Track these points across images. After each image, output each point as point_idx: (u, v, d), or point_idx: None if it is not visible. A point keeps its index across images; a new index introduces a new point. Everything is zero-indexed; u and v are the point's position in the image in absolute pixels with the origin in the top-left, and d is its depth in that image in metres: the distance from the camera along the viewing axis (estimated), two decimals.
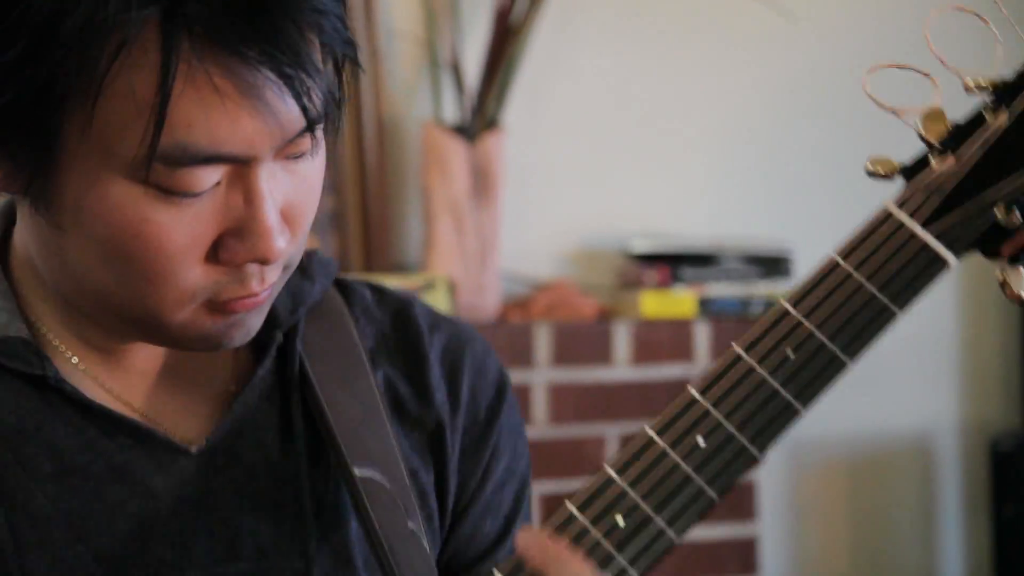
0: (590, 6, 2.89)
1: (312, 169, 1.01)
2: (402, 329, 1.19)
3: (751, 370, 0.93)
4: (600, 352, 2.73)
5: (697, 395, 0.94)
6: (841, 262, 0.95)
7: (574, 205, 2.94)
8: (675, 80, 3.00)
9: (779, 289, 2.85)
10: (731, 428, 0.93)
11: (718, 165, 3.02)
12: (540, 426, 2.69)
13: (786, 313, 0.94)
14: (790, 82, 3.11)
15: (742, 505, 2.83)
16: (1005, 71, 0.98)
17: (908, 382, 3.13)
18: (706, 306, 2.79)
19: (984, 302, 3.19)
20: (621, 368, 2.74)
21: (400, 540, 1.08)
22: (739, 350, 0.94)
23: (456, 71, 2.75)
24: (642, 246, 2.81)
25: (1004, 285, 0.98)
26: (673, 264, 2.79)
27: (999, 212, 0.96)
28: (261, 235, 0.98)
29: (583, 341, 2.73)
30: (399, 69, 2.83)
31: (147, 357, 1.10)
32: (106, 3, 0.93)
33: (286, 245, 1.00)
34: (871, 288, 0.95)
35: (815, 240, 2.95)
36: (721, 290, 2.80)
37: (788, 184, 3.01)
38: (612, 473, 0.93)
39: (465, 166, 2.71)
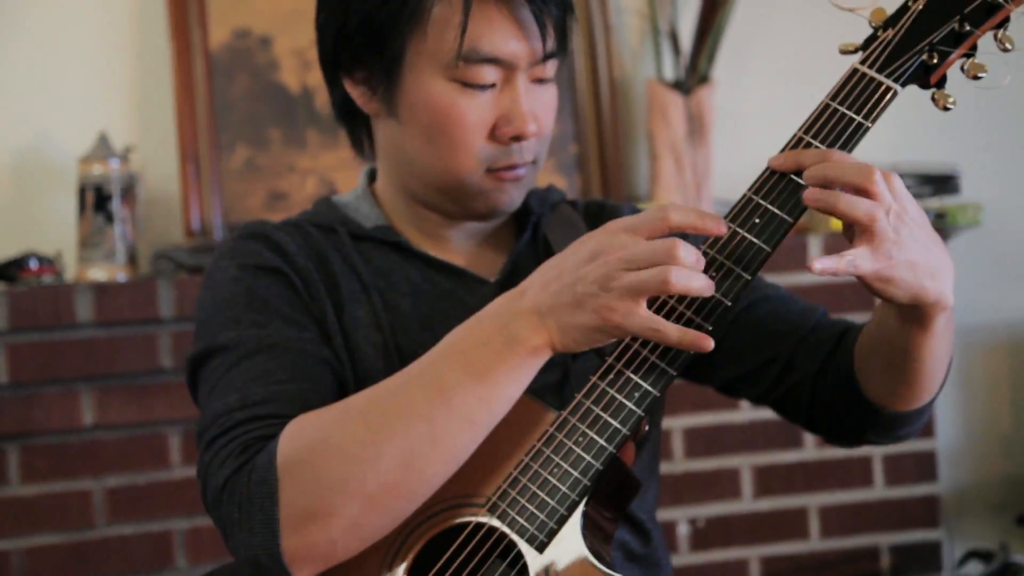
0: None
1: (548, 95, 1.36)
2: (603, 210, 1.52)
3: (783, 175, 1.23)
4: (797, 259, 2.71)
5: (750, 194, 1.23)
6: (830, 103, 1.25)
7: (772, 141, 2.78)
8: (853, 34, 2.98)
9: (948, 203, 2.81)
10: (773, 209, 1.22)
11: (893, 100, 3.00)
12: None
13: (800, 139, 1.24)
14: None
15: None
16: None
17: None
18: None
19: None
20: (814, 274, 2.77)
21: None
22: (772, 166, 1.24)
23: (673, 38, 2.79)
24: None
25: (935, 101, 1.27)
26: None
27: (926, 56, 1.26)
28: (520, 117, 1.33)
29: (782, 251, 2.61)
30: (627, 38, 2.87)
31: (457, 237, 1.44)
32: None
33: (536, 131, 1.34)
34: (850, 113, 1.25)
35: (978, 160, 3.02)
36: None
37: (955, 114, 2.94)
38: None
39: (682, 114, 2.76)
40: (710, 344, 1.17)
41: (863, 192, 1.17)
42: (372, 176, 1.48)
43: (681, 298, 1.20)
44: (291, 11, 2.65)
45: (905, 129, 2.90)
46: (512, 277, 1.41)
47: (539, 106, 1.34)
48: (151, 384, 2.43)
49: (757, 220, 1.22)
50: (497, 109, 1.33)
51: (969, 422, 3.06)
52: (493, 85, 1.32)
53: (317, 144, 2.67)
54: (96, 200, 2.50)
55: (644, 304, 1.16)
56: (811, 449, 2.74)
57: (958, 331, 2.93)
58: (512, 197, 1.37)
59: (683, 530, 2.70)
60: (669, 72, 2.81)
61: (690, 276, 1.15)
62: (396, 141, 1.38)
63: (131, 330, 2.42)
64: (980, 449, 3.06)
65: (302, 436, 1.20)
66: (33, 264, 2.46)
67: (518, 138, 1.33)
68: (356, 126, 1.44)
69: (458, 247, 1.44)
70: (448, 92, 1.31)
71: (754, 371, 1.46)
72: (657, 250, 1.15)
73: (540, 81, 1.34)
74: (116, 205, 2.51)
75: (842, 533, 2.76)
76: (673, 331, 1.16)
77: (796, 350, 1.44)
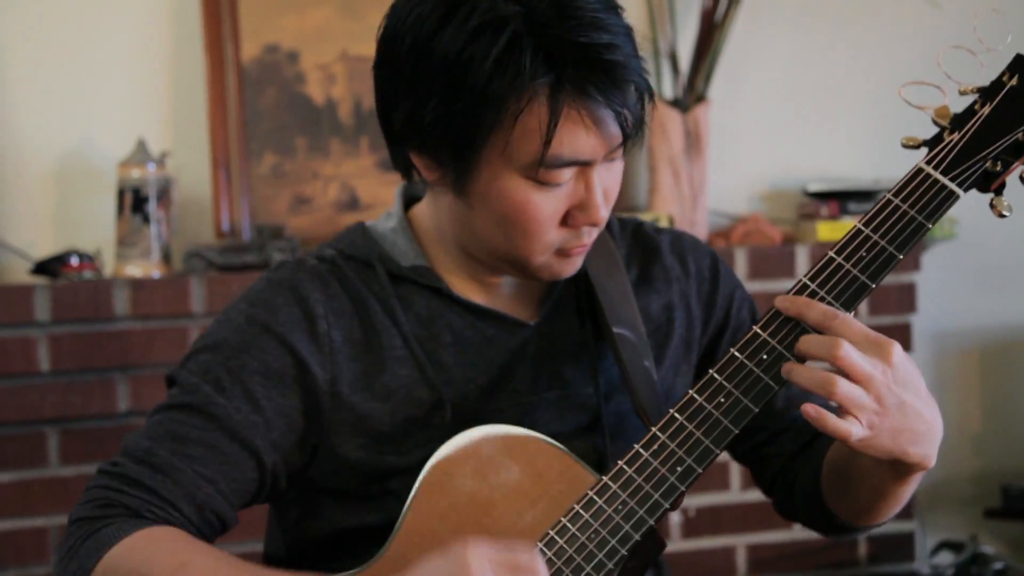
0: (774, 7, 2.91)
1: (618, 168, 1.28)
2: (640, 238, 1.44)
3: (840, 265, 1.22)
4: (785, 268, 2.75)
5: (806, 280, 1.22)
6: (893, 199, 1.23)
7: (763, 157, 2.96)
8: (841, 58, 2.98)
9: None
10: (828, 298, 1.21)
11: (875, 123, 2.97)
12: None
13: (860, 231, 1.22)
14: (928, 53, 3.02)
15: None
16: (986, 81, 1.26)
17: None
18: None
19: None
20: None
21: (637, 370, 1.33)
22: (831, 254, 1.22)
23: (673, 59, 2.82)
24: (817, 186, 2.85)
25: (992, 207, 1.25)
26: (841, 200, 2.83)
27: (988, 163, 1.24)
28: (594, 208, 1.25)
29: (772, 260, 2.75)
30: None
31: (496, 283, 1.36)
32: (520, 75, 1.19)
33: (607, 214, 1.27)
34: (912, 212, 1.22)
35: None
36: None
37: (927, 133, 2.93)
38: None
39: (680, 130, 2.78)
40: None
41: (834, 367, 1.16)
42: (408, 198, 1.40)
43: (716, 392, 1.20)
44: (317, 29, 2.69)
45: (887, 148, 2.89)
46: (552, 319, 1.36)
47: (610, 183, 1.27)
48: None
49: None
50: (571, 199, 1.25)
51: (942, 421, 3.09)
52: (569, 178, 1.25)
53: (340, 152, 2.71)
54: (134, 202, 2.52)
55: None
56: None
57: (934, 336, 3.03)
58: (576, 266, 1.31)
59: (675, 519, 2.72)
60: (668, 91, 2.83)
61: None
62: (461, 216, 1.30)
63: (164, 323, 2.44)
64: (952, 447, 2.96)
65: (134, 554, 1.18)
66: (74, 260, 2.48)
67: (592, 225, 1.27)
68: (411, 174, 1.34)
69: (499, 288, 1.36)
70: (524, 189, 1.23)
71: (742, 430, 1.41)
72: None
73: (614, 159, 1.26)
74: (152, 207, 2.52)
75: None
76: None
77: (783, 429, 1.43)
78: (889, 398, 1.16)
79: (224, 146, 2.65)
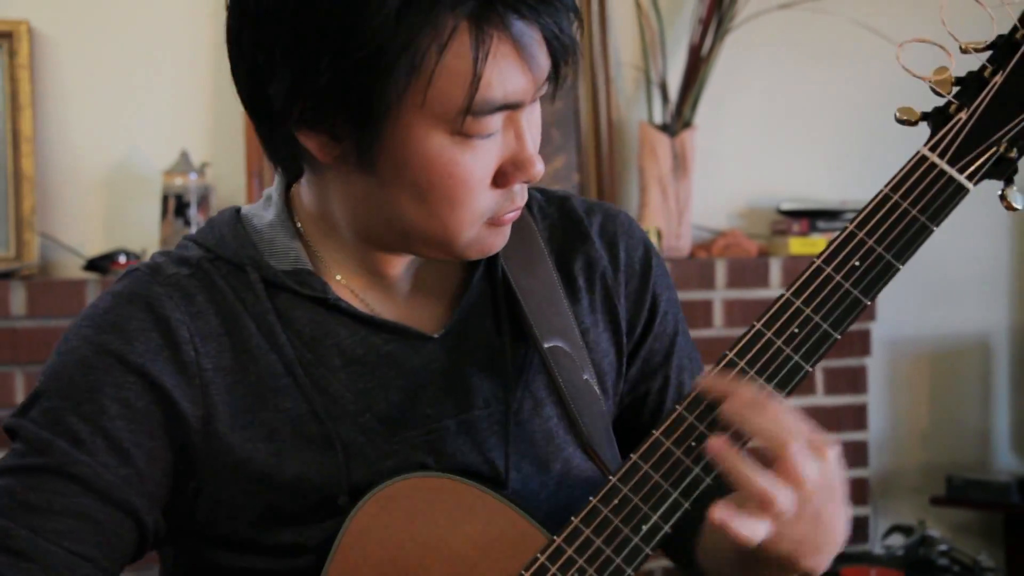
0: (754, 42, 2.95)
1: (539, 110, 1.04)
2: (567, 217, 1.17)
3: (830, 276, 0.97)
4: (760, 279, 2.83)
5: (789, 295, 0.97)
6: (891, 194, 0.97)
7: (742, 178, 3.03)
8: (813, 89, 3.05)
9: None
10: (817, 318, 0.97)
11: (842, 148, 3.06)
12: (718, 329, 2.80)
13: (854, 234, 0.97)
14: (892, 86, 3.11)
15: (857, 382, 2.94)
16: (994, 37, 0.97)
17: (974, 297, 3.18)
18: None
19: None
20: (775, 290, 2.81)
21: (577, 389, 1.10)
22: (819, 263, 0.97)
23: (663, 87, 2.89)
24: (790, 205, 2.92)
25: (1002, 198, 0.99)
26: (811, 218, 2.89)
27: (1003, 148, 0.97)
28: (529, 159, 1.01)
29: (748, 271, 2.83)
30: (624, 87, 2.96)
31: (396, 278, 1.10)
32: (434, 7, 0.93)
33: (542, 168, 1.02)
34: (914, 211, 0.97)
35: None
36: None
37: (891, 159, 2.99)
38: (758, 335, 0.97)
39: (668, 152, 2.84)
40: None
41: (775, 460, 0.93)
42: (292, 176, 1.10)
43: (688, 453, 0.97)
44: None
45: (854, 171, 3.06)
46: (462, 330, 1.10)
47: (535, 130, 1.03)
48: None
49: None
50: (501, 154, 1.00)
51: (895, 418, 3.18)
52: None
53: None
54: (176, 207, 2.61)
55: None
56: None
57: (890, 342, 3.22)
58: (504, 237, 1.06)
59: None
60: (658, 116, 2.90)
61: None
62: (367, 198, 1.03)
63: None
64: (903, 441, 3.19)
65: None
66: (122, 259, 2.57)
67: (527, 181, 1.03)
68: (294, 163, 1.06)
69: (397, 287, 1.11)
70: (448, 148, 0.98)
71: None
72: None
73: (535, 98, 1.03)
74: (193, 212, 2.62)
75: None
76: None
77: None
78: (808, 508, 0.95)
79: (258, 158, 2.71)
